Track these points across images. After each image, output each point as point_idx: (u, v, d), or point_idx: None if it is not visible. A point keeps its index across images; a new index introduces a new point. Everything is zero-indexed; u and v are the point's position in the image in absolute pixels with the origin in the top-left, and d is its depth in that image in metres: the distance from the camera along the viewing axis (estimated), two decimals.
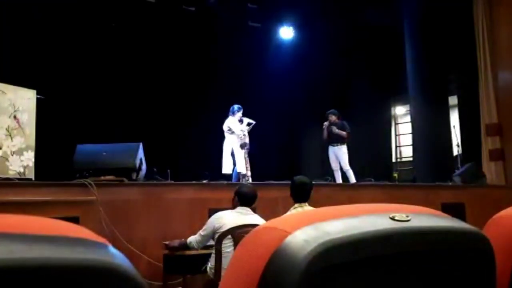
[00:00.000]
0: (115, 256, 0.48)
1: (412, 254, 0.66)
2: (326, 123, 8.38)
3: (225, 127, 7.88)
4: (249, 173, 7.90)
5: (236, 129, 7.86)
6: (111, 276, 0.46)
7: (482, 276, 0.72)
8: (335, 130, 8.23)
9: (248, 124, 8.06)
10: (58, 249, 0.44)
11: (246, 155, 7.87)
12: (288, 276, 0.57)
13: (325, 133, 8.37)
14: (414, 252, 0.66)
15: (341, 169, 8.29)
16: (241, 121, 8.00)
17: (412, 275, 0.67)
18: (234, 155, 7.80)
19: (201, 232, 3.85)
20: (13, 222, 0.47)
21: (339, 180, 8.27)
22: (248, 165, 7.90)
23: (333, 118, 8.38)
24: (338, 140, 8.28)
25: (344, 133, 8.24)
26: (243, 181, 7.22)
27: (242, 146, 7.75)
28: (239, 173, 7.73)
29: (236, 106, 8.00)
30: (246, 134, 7.96)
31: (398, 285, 0.66)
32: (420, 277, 0.68)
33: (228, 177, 7.74)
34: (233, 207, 3.90)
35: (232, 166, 7.81)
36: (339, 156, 8.26)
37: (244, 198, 3.87)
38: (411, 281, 0.67)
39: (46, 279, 0.42)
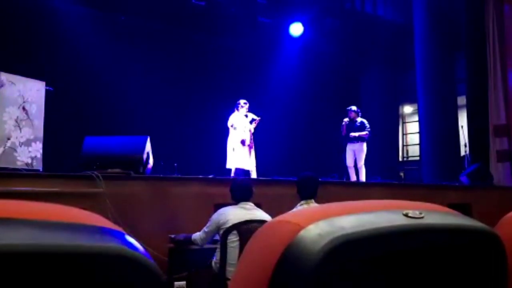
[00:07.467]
0: (132, 244, 0.49)
1: (425, 251, 0.66)
2: (345, 120, 8.35)
3: (229, 122, 7.72)
4: (253, 169, 7.74)
5: (239, 124, 7.68)
6: (128, 264, 0.46)
7: (494, 275, 0.72)
8: (355, 134, 8.20)
9: (252, 120, 7.83)
10: (77, 236, 0.45)
11: (250, 151, 7.70)
12: (302, 270, 0.57)
13: (343, 130, 8.34)
14: (427, 249, 0.66)
15: (355, 166, 8.26)
16: (246, 116, 7.83)
17: (424, 272, 0.67)
18: (236, 151, 7.61)
19: (205, 228, 3.83)
20: (34, 209, 0.48)
21: (353, 177, 8.23)
22: (252, 161, 7.76)
23: (352, 115, 8.35)
24: (358, 139, 8.26)
25: (364, 133, 8.23)
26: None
27: (243, 142, 7.59)
28: (240, 170, 7.53)
29: (241, 101, 7.81)
30: (251, 130, 7.75)
31: (410, 281, 0.66)
32: (432, 274, 0.68)
33: (231, 172, 7.60)
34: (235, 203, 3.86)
35: (235, 162, 7.62)
36: (357, 154, 8.24)
37: (237, 193, 3.83)
38: (424, 277, 0.67)
39: (65, 264, 0.43)
